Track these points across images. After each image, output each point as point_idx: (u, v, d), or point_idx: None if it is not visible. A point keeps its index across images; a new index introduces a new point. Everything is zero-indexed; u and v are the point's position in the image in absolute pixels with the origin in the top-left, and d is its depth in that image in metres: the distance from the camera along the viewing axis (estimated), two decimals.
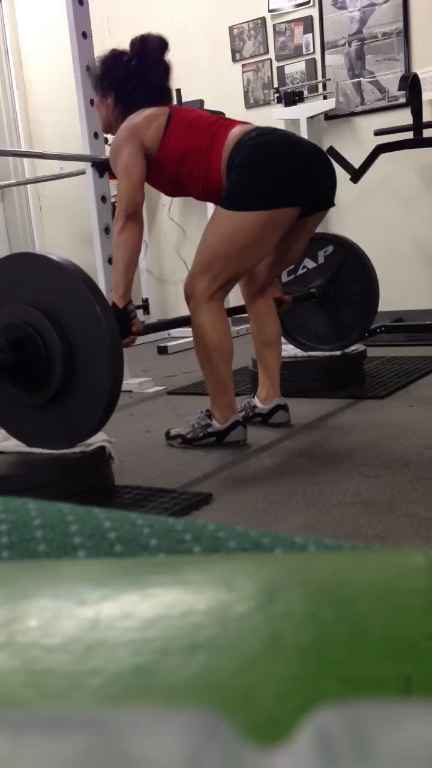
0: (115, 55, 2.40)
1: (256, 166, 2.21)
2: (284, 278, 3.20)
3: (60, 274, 1.77)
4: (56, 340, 1.77)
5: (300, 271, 3.20)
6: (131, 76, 2.36)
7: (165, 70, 2.41)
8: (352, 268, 3.16)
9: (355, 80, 4.90)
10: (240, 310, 2.81)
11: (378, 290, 3.19)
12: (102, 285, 3.48)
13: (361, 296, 3.17)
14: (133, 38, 2.40)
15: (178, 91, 4.80)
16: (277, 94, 5.03)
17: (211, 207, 4.84)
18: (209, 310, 2.32)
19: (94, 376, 1.78)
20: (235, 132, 2.28)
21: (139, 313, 5.60)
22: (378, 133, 4.28)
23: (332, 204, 2.43)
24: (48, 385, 1.82)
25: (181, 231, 5.69)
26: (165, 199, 5.76)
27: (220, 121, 2.36)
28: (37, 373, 1.81)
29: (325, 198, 2.39)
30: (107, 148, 3.77)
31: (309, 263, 3.19)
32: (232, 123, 2.35)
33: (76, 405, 1.83)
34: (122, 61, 2.38)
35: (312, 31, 5.01)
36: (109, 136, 4.99)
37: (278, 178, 2.23)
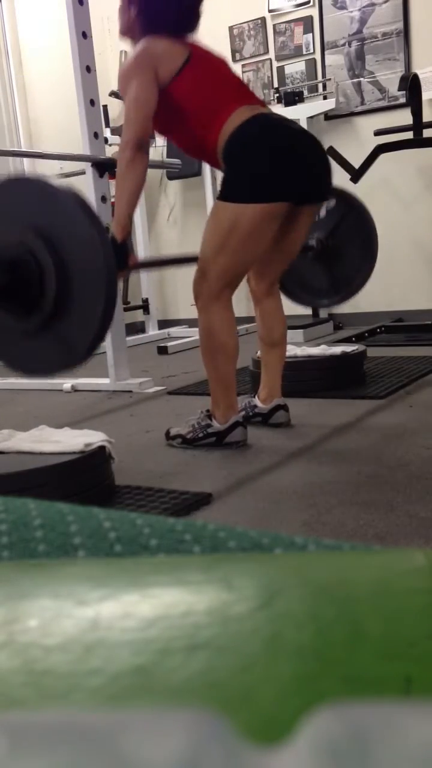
0: None
1: (251, 162, 2.21)
2: None
3: (57, 198, 1.75)
4: (50, 262, 1.75)
5: None
6: None
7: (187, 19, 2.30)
8: (353, 222, 3.14)
9: (355, 80, 4.90)
10: None
11: (377, 242, 3.18)
12: None
13: (360, 249, 3.16)
14: None
15: None
16: (277, 94, 5.03)
17: (210, 206, 4.84)
18: (217, 310, 2.32)
19: (88, 301, 1.76)
20: (240, 112, 2.23)
21: (139, 312, 5.61)
22: (378, 133, 4.28)
23: (326, 198, 2.45)
24: (41, 309, 1.80)
25: (180, 232, 5.69)
26: (165, 202, 5.76)
27: (233, 90, 2.30)
28: (30, 296, 1.79)
29: (318, 193, 2.40)
30: (108, 149, 3.77)
31: None
32: (243, 97, 2.30)
33: (69, 329, 1.81)
34: None
35: (312, 31, 5.01)
36: (109, 136, 4.99)
37: (271, 174, 2.23)
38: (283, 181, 2.24)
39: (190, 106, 2.25)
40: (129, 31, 2.34)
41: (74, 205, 1.72)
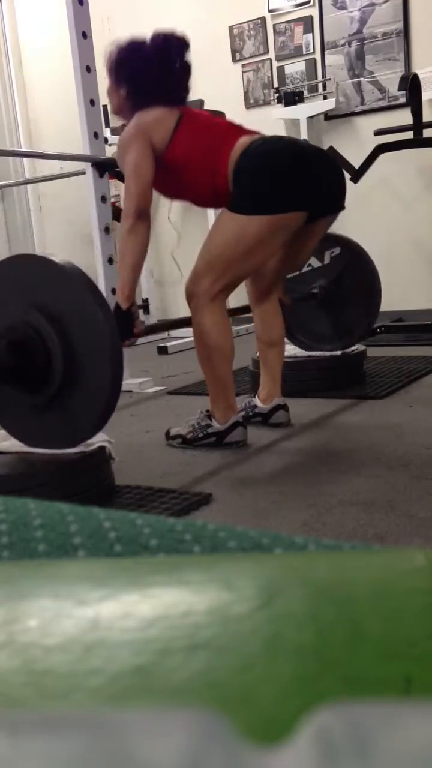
0: (134, 47, 2.32)
1: (262, 172, 2.21)
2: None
3: (61, 277, 1.77)
4: (56, 342, 1.77)
5: (305, 269, 3.20)
6: (149, 75, 2.31)
7: (185, 71, 2.36)
8: (356, 272, 3.16)
9: (355, 80, 4.90)
10: (240, 310, 2.80)
11: (380, 294, 3.19)
12: (102, 285, 3.48)
13: (363, 299, 3.18)
14: (155, 32, 2.33)
15: None
16: (277, 94, 5.03)
17: (210, 211, 4.84)
18: (211, 311, 2.32)
19: (94, 378, 1.78)
20: (243, 140, 2.27)
21: (140, 312, 5.60)
22: (378, 133, 4.28)
23: (341, 208, 2.42)
24: (48, 387, 1.82)
25: (179, 234, 5.69)
26: (165, 201, 5.76)
27: (230, 129, 2.34)
28: (37, 375, 1.81)
29: (332, 202, 2.38)
30: (108, 149, 3.77)
31: (314, 262, 3.19)
32: (242, 131, 2.34)
33: (75, 406, 1.83)
34: (142, 55, 2.31)
35: (312, 31, 5.01)
36: (109, 136, 4.99)
37: (283, 184, 2.23)
38: (287, 193, 2.24)
39: (193, 157, 2.27)
40: (120, 110, 2.40)
41: (78, 283, 1.74)
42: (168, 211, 5.69)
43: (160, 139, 2.26)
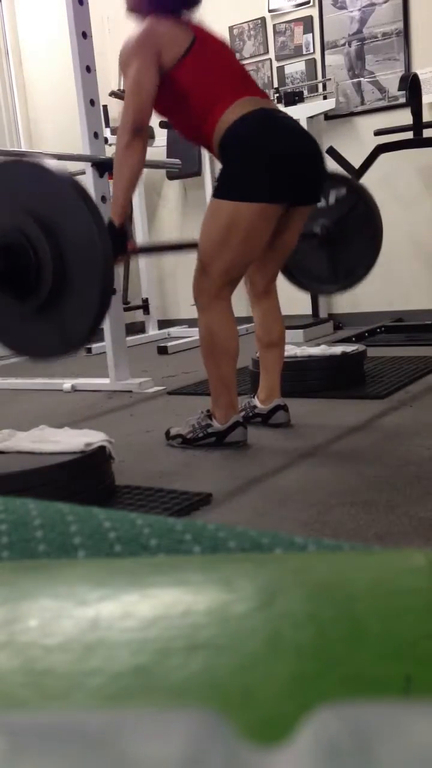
0: None
1: (249, 162, 2.21)
2: None
3: (55, 184, 1.75)
4: (47, 249, 1.74)
5: None
6: None
7: None
8: (360, 213, 3.13)
9: (355, 80, 4.90)
10: None
11: (382, 235, 3.17)
12: None
13: (364, 240, 3.16)
14: None
15: None
16: (277, 94, 5.03)
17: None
18: (216, 310, 2.32)
19: (84, 289, 1.76)
20: (241, 105, 2.22)
21: (139, 312, 5.61)
22: (378, 133, 4.28)
23: (319, 200, 2.46)
24: (37, 295, 1.79)
25: (180, 231, 5.68)
26: (165, 198, 5.76)
27: (234, 80, 2.29)
28: (26, 282, 1.79)
29: (314, 194, 2.41)
30: (108, 149, 3.77)
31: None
32: (245, 88, 2.29)
33: (65, 316, 1.81)
34: None
35: (312, 31, 5.01)
36: (109, 136, 4.99)
37: (276, 175, 2.23)
38: (281, 184, 2.25)
39: (191, 92, 2.23)
40: (137, 6, 2.31)
41: (72, 191, 1.72)
42: (168, 211, 5.70)
43: (168, 58, 2.19)
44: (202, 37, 2.29)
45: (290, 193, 2.29)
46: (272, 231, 2.33)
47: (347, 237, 3.15)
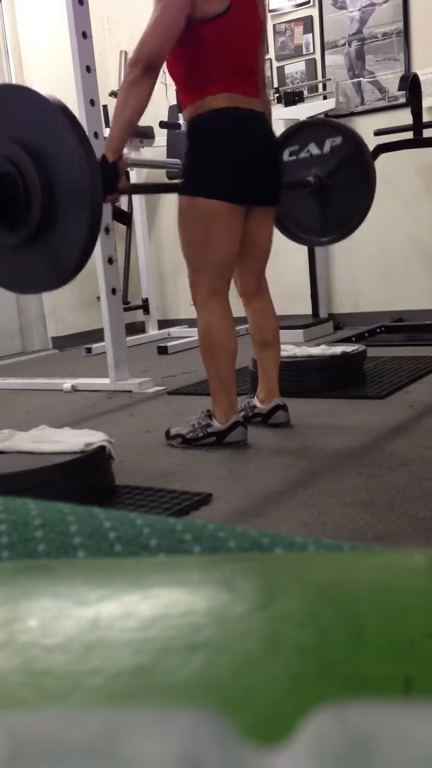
0: None
1: (217, 158, 2.24)
2: (285, 157, 3.08)
3: (47, 112, 1.71)
4: (36, 179, 1.70)
5: (302, 155, 3.15)
6: None
7: None
8: (353, 162, 3.12)
9: (355, 80, 4.90)
10: None
11: (375, 184, 3.16)
12: (102, 285, 3.48)
13: (357, 190, 3.15)
14: None
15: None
16: (277, 94, 5.03)
17: None
18: (213, 308, 2.32)
19: (73, 220, 1.74)
20: (225, 97, 2.22)
21: (139, 312, 5.60)
22: (378, 133, 4.28)
23: (279, 202, 2.48)
24: (26, 225, 1.76)
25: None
26: (165, 198, 5.76)
27: (237, 70, 2.25)
28: (16, 211, 1.75)
29: (272, 197, 2.44)
30: None
31: (314, 149, 3.11)
32: (241, 82, 2.26)
33: (55, 247, 1.79)
34: None
35: (312, 31, 5.01)
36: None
37: (235, 177, 2.26)
38: (241, 187, 2.28)
39: (196, 56, 2.20)
40: None
41: (62, 119, 1.68)
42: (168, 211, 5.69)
43: (200, 11, 2.13)
44: (236, 8, 2.19)
45: (250, 195, 2.32)
46: (242, 229, 2.36)
47: (340, 186, 3.12)
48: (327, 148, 3.11)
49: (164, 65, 2.23)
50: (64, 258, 1.79)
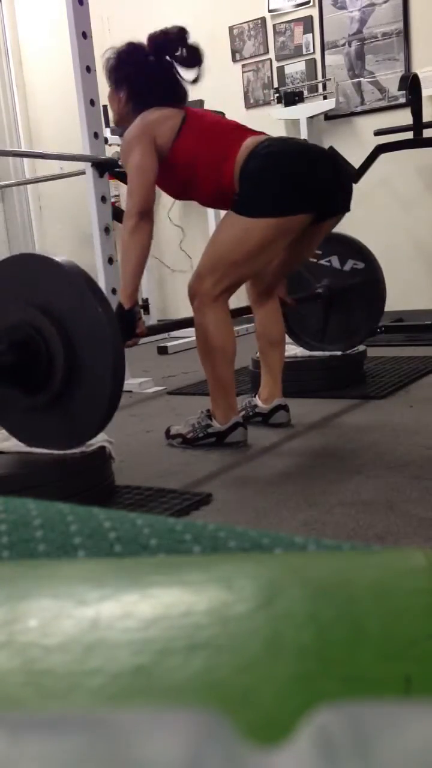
0: (130, 49, 2.34)
1: (269, 174, 2.21)
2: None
3: (62, 275, 1.76)
4: (58, 342, 1.75)
5: (322, 261, 3.17)
6: (148, 72, 2.31)
7: (192, 57, 2.32)
8: (367, 291, 3.16)
9: (355, 80, 4.90)
10: (241, 311, 2.80)
11: (385, 300, 3.20)
12: (102, 285, 3.47)
13: (366, 309, 3.18)
14: (152, 32, 2.33)
15: None
16: (277, 94, 5.03)
17: (211, 210, 4.83)
18: (213, 311, 2.32)
19: (96, 379, 1.77)
20: (249, 142, 2.27)
21: (141, 313, 5.60)
22: (378, 133, 4.28)
23: (347, 209, 2.41)
24: (49, 387, 1.81)
25: (180, 233, 5.69)
26: (165, 200, 5.76)
27: (236, 131, 2.34)
28: (38, 375, 1.80)
29: (338, 203, 2.38)
30: (108, 149, 3.77)
31: (335, 261, 3.17)
32: (248, 132, 2.34)
33: (77, 407, 1.82)
34: (138, 56, 2.33)
35: (312, 31, 5.01)
36: (109, 136, 4.98)
37: (289, 186, 2.23)
38: (293, 194, 2.24)
39: (199, 157, 2.27)
40: (123, 118, 2.39)
41: (79, 282, 1.73)
42: (168, 210, 5.69)
43: (165, 138, 2.26)
44: (192, 111, 2.35)
45: (309, 199, 2.27)
46: (292, 240, 2.33)
47: (349, 304, 3.19)
48: (348, 266, 3.16)
49: (186, 191, 2.39)
50: (86, 418, 1.82)
